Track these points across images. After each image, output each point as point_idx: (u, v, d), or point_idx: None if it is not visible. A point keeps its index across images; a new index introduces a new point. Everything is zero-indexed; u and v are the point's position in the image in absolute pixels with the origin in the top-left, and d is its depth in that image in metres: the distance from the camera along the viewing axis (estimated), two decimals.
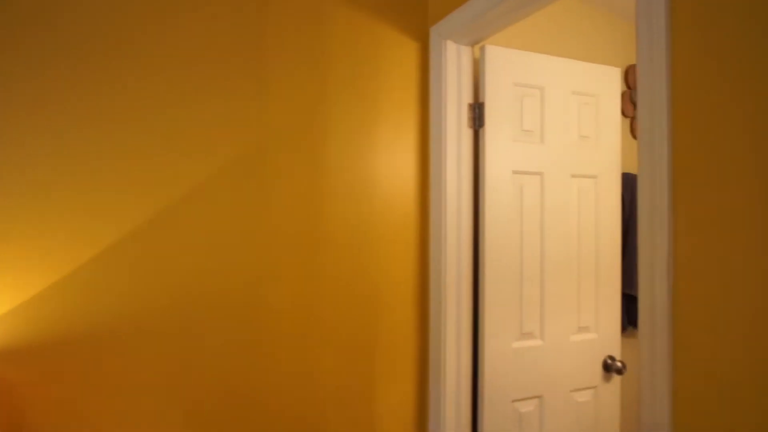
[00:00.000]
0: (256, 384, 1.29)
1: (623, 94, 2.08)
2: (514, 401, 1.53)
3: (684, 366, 0.82)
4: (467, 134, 1.51)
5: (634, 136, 2.20)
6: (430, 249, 1.54)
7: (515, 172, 1.53)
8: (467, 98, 1.51)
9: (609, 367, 1.66)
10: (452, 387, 1.47)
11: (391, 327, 1.49)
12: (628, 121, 2.18)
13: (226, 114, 1.27)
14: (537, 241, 1.56)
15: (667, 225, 0.83)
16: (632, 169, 2.19)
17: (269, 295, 1.31)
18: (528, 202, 1.55)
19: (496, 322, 1.50)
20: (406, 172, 1.53)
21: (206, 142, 1.25)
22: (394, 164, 1.50)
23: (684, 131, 0.83)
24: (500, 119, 1.51)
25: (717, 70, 0.78)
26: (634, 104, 2.17)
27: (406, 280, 1.52)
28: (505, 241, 1.51)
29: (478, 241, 1.53)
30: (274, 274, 1.32)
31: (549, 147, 1.58)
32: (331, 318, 1.40)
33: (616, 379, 1.69)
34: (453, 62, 1.49)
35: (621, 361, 1.64)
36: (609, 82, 1.69)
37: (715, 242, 0.78)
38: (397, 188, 1.51)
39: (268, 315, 1.31)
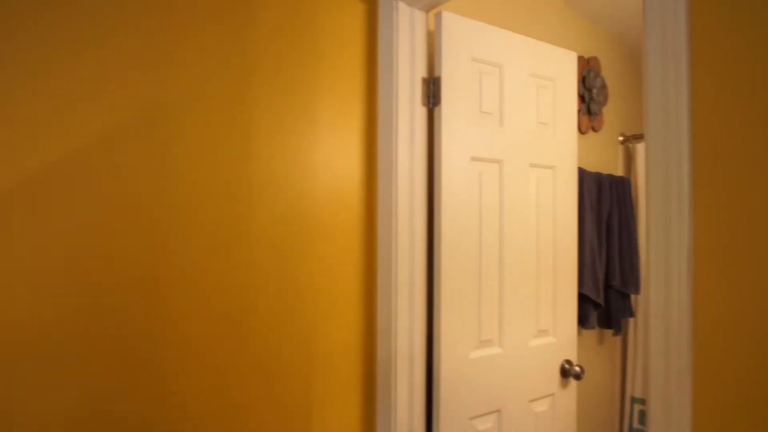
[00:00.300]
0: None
1: None
2: (472, 418, 1.34)
3: (708, 386, 0.66)
4: (421, 113, 1.30)
5: (580, 131, 2.15)
6: (377, 247, 1.31)
7: (474, 159, 1.36)
8: (421, 71, 1.30)
9: (566, 372, 1.55)
10: (404, 409, 1.25)
11: (331, 342, 1.23)
12: None
13: (119, 75, 0.94)
14: (495, 236, 1.40)
15: (687, 216, 0.68)
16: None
17: (173, 310, 1.00)
18: (487, 193, 1.38)
19: (453, 330, 1.31)
20: (349, 155, 1.28)
21: (82, 116, 0.91)
22: (335, 147, 1.25)
23: (708, 94, 0.68)
24: (457, 98, 1.32)
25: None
26: (581, 97, 2.12)
27: (349, 284, 1.27)
28: (462, 238, 1.32)
29: (432, 237, 1.33)
30: (182, 280, 1.01)
31: (508, 132, 1.42)
32: (257, 337, 1.11)
33: (573, 384, 1.58)
34: (405, 28, 1.28)
35: (579, 366, 1.53)
36: (566, 67, 1.58)
37: (752, 234, 0.63)
38: (339, 175, 1.26)
39: (172, 337, 1.00)
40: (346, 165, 1.27)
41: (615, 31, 2.39)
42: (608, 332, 2.38)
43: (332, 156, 1.24)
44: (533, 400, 1.48)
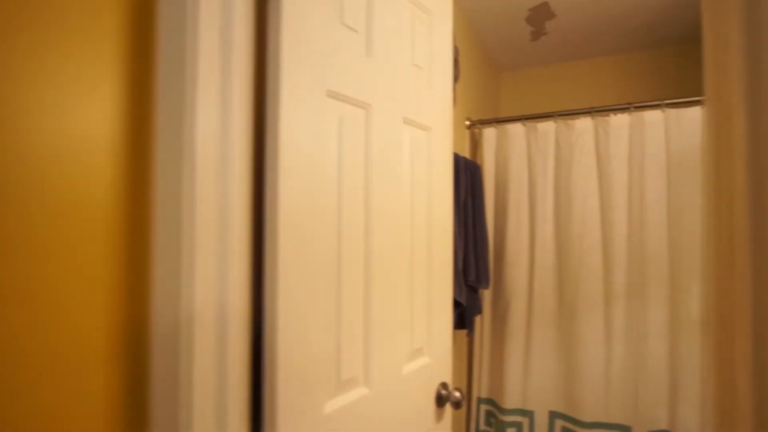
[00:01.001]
0: None
1: None
2: None
3: None
4: (245, 7, 0.74)
5: None
6: (154, 253, 0.70)
7: (332, 96, 0.86)
8: None
9: (443, 400, 1.18)
10: None
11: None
12: None
13: None
14: (361, 220, 0.93)
15: None
16: None
17: None
18: (350, 152, 0.90)
19: (298, 375, 0.78)
20: (95, 76, 0.64)
21: None
22: (57, 86, 0.60)
23: None
24: None
25: None
26: None
27: (89, 315, 0.63)
28: (315, 222, 0.81)
29: (264, 223, 0.78)
30: None
31: (378, 66, 0.97)
32: None
33: (448, 412, 1.23)
34: None
35: (458, 389, 1.18)
36: (444, 2, 1.21)
37: None
38: (69, 114, 0.61)
39: None
40: (86, 95, 0.63)
41: (468, 19, 2.22)
42: (458, 332, 2.19)
43: (50, 80, 0.59)
44: None
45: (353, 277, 0.90)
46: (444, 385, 1.19)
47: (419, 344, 1.11)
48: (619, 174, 2.00)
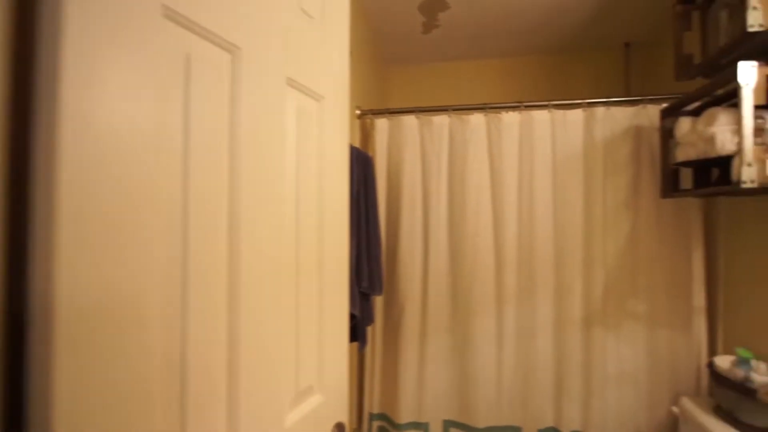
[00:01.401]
0: None
1: None
2: None
3: None
4: None
5: None
6: None
7: (171, 17, 0.54)
8: None
9: None
10: None
11: None
12: None
13: None
14: (223, 217, 0.63)
15: None
16: None
17: None
18: (205, 113, 0.59)
19: None
20: None
21: None
22: None
23: None
24: None
25: None
26: None
27: None
28: (135, 224, 0.49)
29: (33, 216, 0.44)
30: None
31: None
32: None
33: None
34: None
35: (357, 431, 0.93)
36: None
37: None
38: None
39: None
40: None
41: (360, 3, 1.99)
42: (349, 345, 1.95)
43: None
44: None
45: (211, 302, 0.60)
46: (339, 427, 0.94)
47: (308, 381, 0.84)
48: (511, 172, 1.97)
